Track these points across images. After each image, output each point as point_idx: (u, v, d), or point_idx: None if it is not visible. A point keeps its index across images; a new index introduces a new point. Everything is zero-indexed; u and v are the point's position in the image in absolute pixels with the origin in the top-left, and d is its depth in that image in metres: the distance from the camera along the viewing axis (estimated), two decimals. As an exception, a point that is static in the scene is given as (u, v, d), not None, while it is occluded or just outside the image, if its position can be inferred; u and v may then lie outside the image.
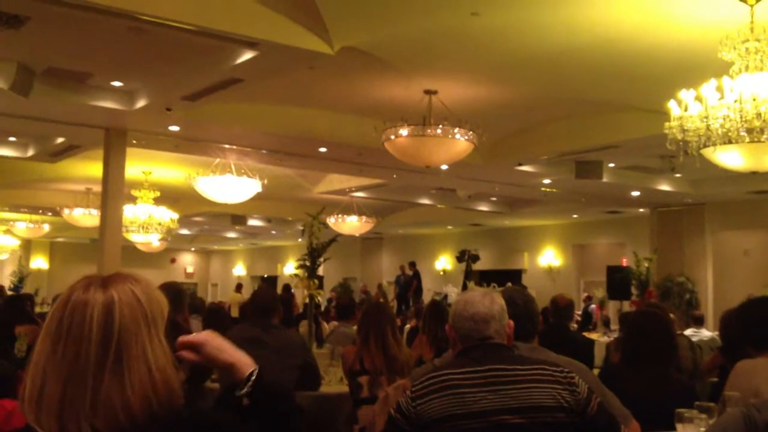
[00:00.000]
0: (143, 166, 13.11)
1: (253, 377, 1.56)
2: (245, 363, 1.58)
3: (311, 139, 10.53)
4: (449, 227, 21.94)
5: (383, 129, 8.67)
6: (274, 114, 9.94)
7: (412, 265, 19.57)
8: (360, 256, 24.43)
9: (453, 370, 2.48)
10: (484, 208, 17.69)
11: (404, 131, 8.58)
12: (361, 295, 18.72)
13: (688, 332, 9.25)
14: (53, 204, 16.40)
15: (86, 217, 15.26)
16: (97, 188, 11.36)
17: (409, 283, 19.11)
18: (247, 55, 7.00)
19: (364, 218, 17.02)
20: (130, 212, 13.83)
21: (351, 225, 16.92)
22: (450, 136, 8.56)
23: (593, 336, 10.88)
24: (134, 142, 10.35)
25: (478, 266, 18.51)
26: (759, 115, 5.40)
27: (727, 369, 4.69)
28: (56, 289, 16.08)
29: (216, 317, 7.40)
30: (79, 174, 13.81)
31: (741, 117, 5.43)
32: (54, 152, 11.88)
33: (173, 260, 29.87)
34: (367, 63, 7.70)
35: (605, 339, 10.64)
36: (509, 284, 15.14)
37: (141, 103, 8.85)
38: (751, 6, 5.69)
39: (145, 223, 14.30)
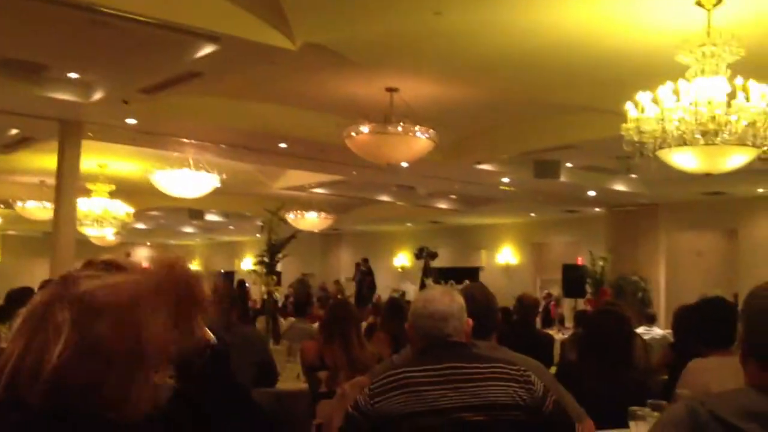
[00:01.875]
0: (99, 159, 12.91)
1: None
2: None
3: (271, 134, 10.48)
4: (408, 224, 22.01)
5: (344, 125, 8.66)
6: (234, 109, 9.86)
7: (365, 261, 19.63)
8: (319, 252, 24.38)
9: (412, 367, 2.50)
10: (443, 205, 17.77)
11: (365, 128, 8.58)
12: (320, 292, 18.67)
13: (640, 330, 9.38)
14: (5, 196, 16.08)
15: (40, 210, 14.99)
16: (51, 181, 11.17)
17: (364, 280, 19.16)
18: (208, 49, 6.94)
19: (323, 214, 16.97)
20: (84, 205, 13.62)
21: (310, 221, 16.86)
22: (410, 134, 8.58)
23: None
24: (90, 134, 10.19)
25: (436, 263, 18.59)
26: (713, 118, 5.50)
27: (676, 366, 4.78)
28: (8, 283, 15.79)
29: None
30: (32, 166, 13.56)
31: (696, 120, 5.53)
32: (7, 144, 11.65)
33: (128, 255, 29.48)
34: (329, 59, 7.68)
35: (560, 336, 10.75)
36: (467, 281, 15.21)
37: (98, 96, 8.71)
38: (708, 11, 5.79)
39: (100, 216, 14.10)
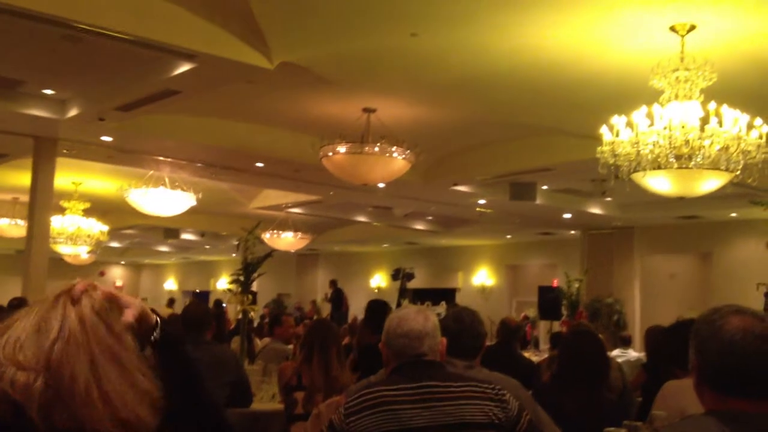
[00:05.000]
0: (73, 176, 12.80)
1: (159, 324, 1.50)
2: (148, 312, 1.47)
3: (248, 153, 10.45)
4: (385, 245, 21.99)
5: (321, 145, 8.66)
6: (210, 127, 9.83)
7: (332, 283, 19.65)
8: (295, 272, 24.28)
9: (386, 386, 2.48)
10: (419, 226, 17.79)
11: (342, 148, 8.58)
12: (296, 312, 18.58)
13: (615, 353, 9.45)
14: (-22, 213, 15.86)
15: (12, 227, 14.81)
16: (25, 198, 11.04)
17: (340, 300, 19.13)
18: (185, 67, 6.92)
19: (299, 234, 16.93)
20: (58, 223, 13.49)
21: (286, 241, 16.80)
22: (387, 154, 8.59)
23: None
24: (65, 151, 10.10)
25: (412, 284, 18.56)
26: (687, 142, 5.57)
27: (648, 387, 4.79)
28: (-22, 301, 15.53)
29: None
30: (5, 183, 13.42)
31: (670, 143, 5.59)
32: (-20, 160, 11.52)
33: (102, 273, 29.16)
34: (307, 79, 7.69)
35: (536, 358, 10.76)
36: (443, 303, 15.13)
37: (73, 112, 8.65)
38: (682, 36, 5.88)
39: (74, 234, 13.97)
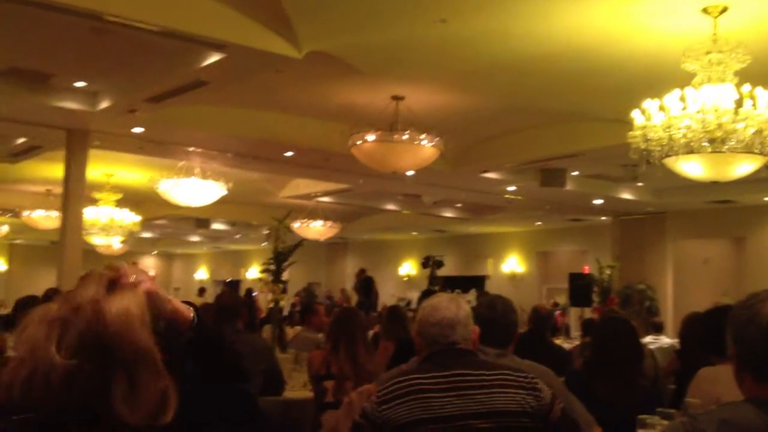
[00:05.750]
0: (105, 168, 12.94)
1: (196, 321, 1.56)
2: (184, 308, 1.58)
3: (277, 143, 10.49)
4: (414, 233, 21.99)
5: (350, 134, 8.67)
6: (240, 117, 9.88)
7: (361, 271, 19.65)
8: (325, 261, 24.38)
9: (419, 375, 2.49)
10: (449, 214, 17.75)
11: (371, 137, 8.57)
12: (326, 300, 18.66)
13: (648, 339, 9.36)
14: (12, 205, 16.12)
15: (46, 219, 15.03)
16: (58, 190, 11.20)
17: (370, 288, 19.11)
18: (214, 58, 6.95)
19: (329, 223, 16.98)
20: (91, 214, 13.65)
21: (316, 230, 16.87)
22: (416, 142, 8.58)
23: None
24: (97, 143, 10.21)
25: (442, 272, 18.56)
26: (720, 125, 5.49)
27: (682, 374, 4.74)
28: (16, 291, 15.80)
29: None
30: (39, 175, 13.60)
31: (703, 127, 5.51)
32: (14, 153, 11.68)
33: (134, 263, 29.52)
34: (335, 68, 7.69)
35: (567, 345, 10.70)
36: (472, 290, 15.06)
37: (104, 104, 8.73)
38: (714, 18, 5.79)
39: (107, 225, 14.13)
